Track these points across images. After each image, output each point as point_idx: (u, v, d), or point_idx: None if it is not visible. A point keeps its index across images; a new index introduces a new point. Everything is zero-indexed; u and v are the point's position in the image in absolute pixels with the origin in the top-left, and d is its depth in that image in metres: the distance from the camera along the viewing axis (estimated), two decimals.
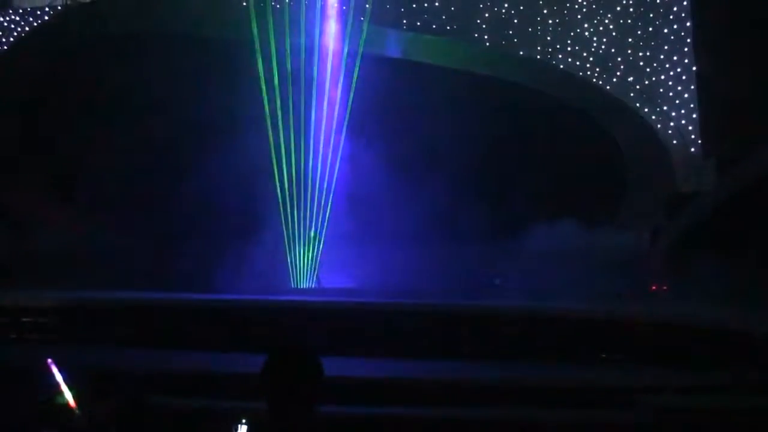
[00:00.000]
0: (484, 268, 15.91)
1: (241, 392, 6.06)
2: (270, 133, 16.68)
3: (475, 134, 17.13)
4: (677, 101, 20.85)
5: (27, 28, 25.87)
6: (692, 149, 20.07)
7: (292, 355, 2.66)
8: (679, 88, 20.85)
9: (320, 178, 17.22)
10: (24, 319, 10.43)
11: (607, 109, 19.34)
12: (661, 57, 21.38)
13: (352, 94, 17.27)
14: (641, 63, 21.69)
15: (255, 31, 16.62)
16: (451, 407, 6.91)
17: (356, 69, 17.30)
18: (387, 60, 18.80)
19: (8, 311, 10.46)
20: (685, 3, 20.77)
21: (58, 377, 4.85)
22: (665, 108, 20.99)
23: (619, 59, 22.02)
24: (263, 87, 16.54)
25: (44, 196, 16.98)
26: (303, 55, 17.11)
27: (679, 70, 20.98)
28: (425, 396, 7.09)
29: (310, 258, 17.01)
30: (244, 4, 22.17)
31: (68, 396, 4.81)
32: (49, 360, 4.96)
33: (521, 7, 23.00)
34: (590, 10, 22.54)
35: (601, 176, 17.83)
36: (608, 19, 22.32)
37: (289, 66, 16.83)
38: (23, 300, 10.82)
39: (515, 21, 23.06)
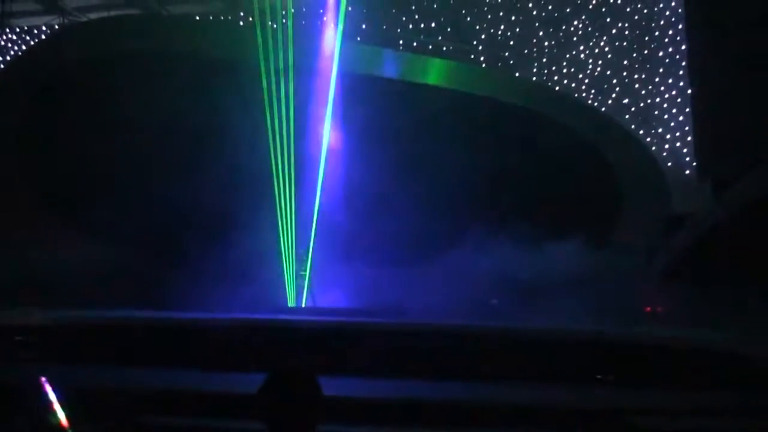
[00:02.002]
0: (480, 289, 15.86)
1: (239, 413, 6.02)
2: (269, 149, 16.74)
3: (469, 154, 17.15)
4: (672, 123, 21.01)
5: (24, 47, 26.03)
6: (687, 171, 20.17)
7: (289, 375, 2.64)
8: (674, 110, 21.02)
9: (314, 195, 17.21)
10: (17, 338, 10.36)
11: (602, 131, 19.41)
12: (656, 79, 21.57)
13: (340, 112, 17.37)
14: (636, 85, 21.87)
15: (251, 50, 16.77)
16: (449, 428, 6.88)
17: (348, 88, 17.39)
18: (381, 80, 18.91)
19: (1, 329, 10.39)
20: (680, 26, 20.97)
21: (52, 396, 4.81)
22: (660, 130, 21.15)
23: (614, 81, 22.21)
24: (257, 103, 16.64)
25: (37, 213, 16.92)
26: (295, 73, 17.18)
27: (674, 92, 21.15)
28: (423, 416, 7.05)
29: (304, 277, 16.96)
30: (241, 23, 22.40)
31: (62, 415, 4.77)
32: (43, 379, 4.92)
33: (517, 29, 23.22)
34: (586, 32, 22.76)
35: (596, 198, 17.84)
36: (604, 41, 22.52)
37: (283, 84, 16.91)
38: (17, 318, 10.75)
39: (511, 43, 23.26)
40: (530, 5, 23.35)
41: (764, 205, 12.56)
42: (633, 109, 21.80)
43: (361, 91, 17.32)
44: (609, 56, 22.41)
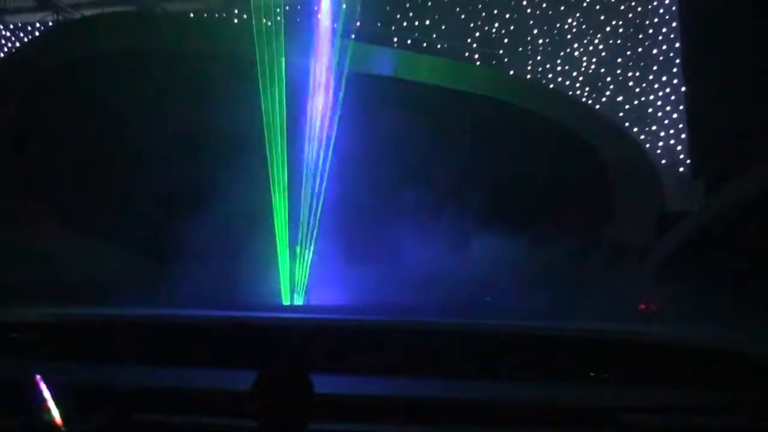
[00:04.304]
0: (474, 286, 15.87)
1: (231, 410, 6.02)
2: (263, 148, 16.73)
3: (462, 153, 17.15)
4: (666, 121, 21.05)
5: (18, 44, 25.95)
6: (681, 169, 20.22)
7: (281, 372, 2.65)
8: (668, 108, 21.05)
9: (311, 192, 17.19)
10: (11, 335, 10.33)
11: (597, 129, 19.41)
12: (650, 77, 21.62)
13: (338, 110, 17.36)
14: (630, 83, 21.91)
15: (245, 47, 16.77)
16: (442, 426, 6.89)
17: (345, 86, 17.36)
18: (375, 78, 18.89)
19: None
20: (674, 24, 21.00)
21: (46, 393, 4.81)
22: (654, 128, 21.18)
23: (608, 79, 22.24)
24: (257, 102, 16.63)
25: (31, 209, 16.87)
26: (290, 72, 17.16)
27: (668, 90, 21.19)
28: (416, 414, 7.06)
29: (299, 274, 16.95)
30: (236, 21, 22.35)
31: (55, 412, 4.77)
32: (37, 376, 4.92)
33: (512, 27, 23.23)
34: (580, 30, 22.79)
35: (589, 196, 17.85)
36: (598, 39, 22.56)
37: (277, 83, 16.89)
38: (10, 315, 10.73)
39: (505, 40, 23.28)
40: (524, 3, 23.37)
41: (757, 203, 12.61)
42: (627, 106, 21.83)
43: (356, 90, 17.29)
44: (603, 54, 22.44)
